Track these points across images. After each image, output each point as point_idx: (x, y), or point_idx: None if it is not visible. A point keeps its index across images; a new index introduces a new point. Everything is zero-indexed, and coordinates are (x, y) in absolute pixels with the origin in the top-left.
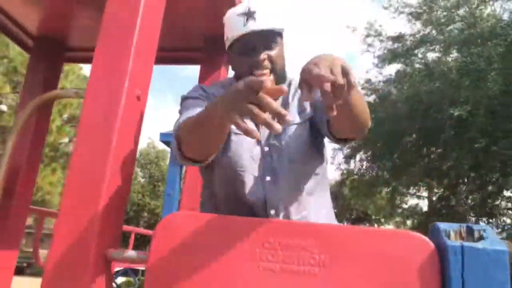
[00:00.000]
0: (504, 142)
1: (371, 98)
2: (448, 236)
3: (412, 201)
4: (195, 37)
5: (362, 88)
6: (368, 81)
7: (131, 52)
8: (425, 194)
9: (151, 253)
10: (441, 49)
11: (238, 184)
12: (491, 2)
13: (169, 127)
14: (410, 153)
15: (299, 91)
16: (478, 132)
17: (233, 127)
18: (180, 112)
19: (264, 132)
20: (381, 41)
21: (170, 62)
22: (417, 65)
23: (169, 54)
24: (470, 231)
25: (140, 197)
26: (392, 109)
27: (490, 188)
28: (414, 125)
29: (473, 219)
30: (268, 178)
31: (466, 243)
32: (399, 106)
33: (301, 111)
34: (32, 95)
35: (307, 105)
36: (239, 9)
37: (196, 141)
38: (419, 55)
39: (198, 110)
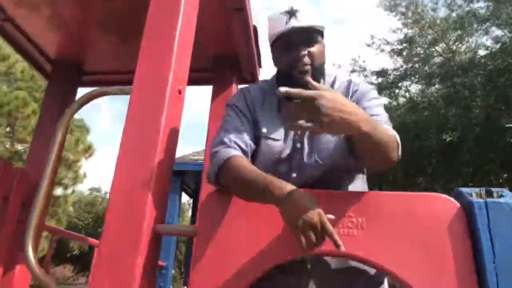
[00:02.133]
0: (487, 167)
1: None
2: (471, 196)
3: None
4: (206, 57)
5: None
6: None
7: (174, 46)
8: None
9: (199, 225)
10: (424, 82)
11: None
12: (466, 38)
13: None
14: (400, 183)
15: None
16: (468, 157)
17: (263, 130)
18: (223, 123)
19: (294, 133)
20: (366, 76)
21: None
22: (401, 99)
23: None
24: (489, 193)
25: None
26: None
27: None
28: (403, 154)
29: None
30: (294, 175)
31: (489, 199)
32: None
33: None
34: (48, 121)
35: None
36: (282, 8)
37: (241, 193)
38: (403, 88)
39: (239, 127)
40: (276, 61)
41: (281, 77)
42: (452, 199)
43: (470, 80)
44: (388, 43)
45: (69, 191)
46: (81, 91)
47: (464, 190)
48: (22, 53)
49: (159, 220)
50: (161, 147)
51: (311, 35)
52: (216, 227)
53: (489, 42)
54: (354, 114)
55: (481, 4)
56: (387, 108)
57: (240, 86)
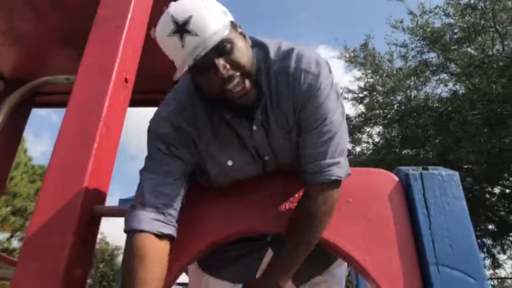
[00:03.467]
0: None
1: None
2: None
3: None
4: (164, 80)
5: None
6: None
7: (122, 36)
8: None
9: None
10: (384, 125)
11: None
12: (421, 87)
13: (128, 192)
14: None
15: (282, 94)
16: None
17: (228, 163)
18: (143, 167)
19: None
20: None
21: (141, 105)
22: (364, 144)
23: (140, 97)
24: (425, 169)
25: None
26: None
27: None
28: None
29: None
30: (267, 158)
31: (423, 171)
32: None
33: (283, 122)
34: None
35: (289, 118)
36: (165, 27)
37: None
38: (365, 133)
39: (163, 178)
40: (200, 86)
41: (211, 99)
42: (390, 173)
43: (424, 121)
44: (349, 91)
45: None
46: (34, 112)
47: (403, 167)
48: None
49: (97, 201)
50: (102, 131)
51: (221, 45)
52: None
53: (440, 90)
54: None
55: (432, 54)
56: (350, 153)
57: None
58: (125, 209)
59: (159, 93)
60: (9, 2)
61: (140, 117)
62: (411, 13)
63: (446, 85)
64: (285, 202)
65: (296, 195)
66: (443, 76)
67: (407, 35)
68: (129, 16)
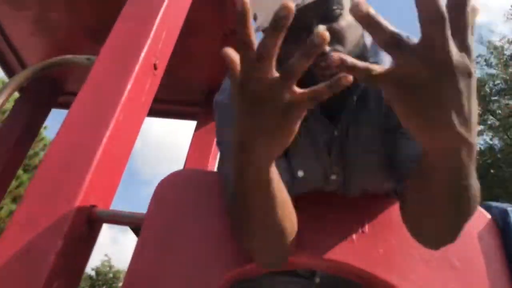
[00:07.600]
0: None
1: None
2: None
3: None
4: (195, 91)
5: None
6: None
7: (158, 16)
8: None
9: (148, 212)
10: None
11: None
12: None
13: None
14: None
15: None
16: None
17: (299, 173)
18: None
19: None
20: None
21: (166, 115)
22: None
23: (167, 107)
24: None
25: None
26: None
27: None
28: None
29: None
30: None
31: None
32: None
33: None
34: (9, 137)
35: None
36: None
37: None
38: None
39: None
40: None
41: None
42: (483, 210)
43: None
44: None
45: None
46: (54, 112)
47: (495, 203)
48: None
49: (100, 203)
50: (119, 118)
51: (330, 6)
52: (168, 217)
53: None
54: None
55: None
56: None
57: None
58: (127, 216)
59: (186, 105)
60: None
61: (156, 142)
62: None
63: (481, 134)
64: (350, 233)
65: (365, 227)
66: (481, 127)
67: None
68: None
